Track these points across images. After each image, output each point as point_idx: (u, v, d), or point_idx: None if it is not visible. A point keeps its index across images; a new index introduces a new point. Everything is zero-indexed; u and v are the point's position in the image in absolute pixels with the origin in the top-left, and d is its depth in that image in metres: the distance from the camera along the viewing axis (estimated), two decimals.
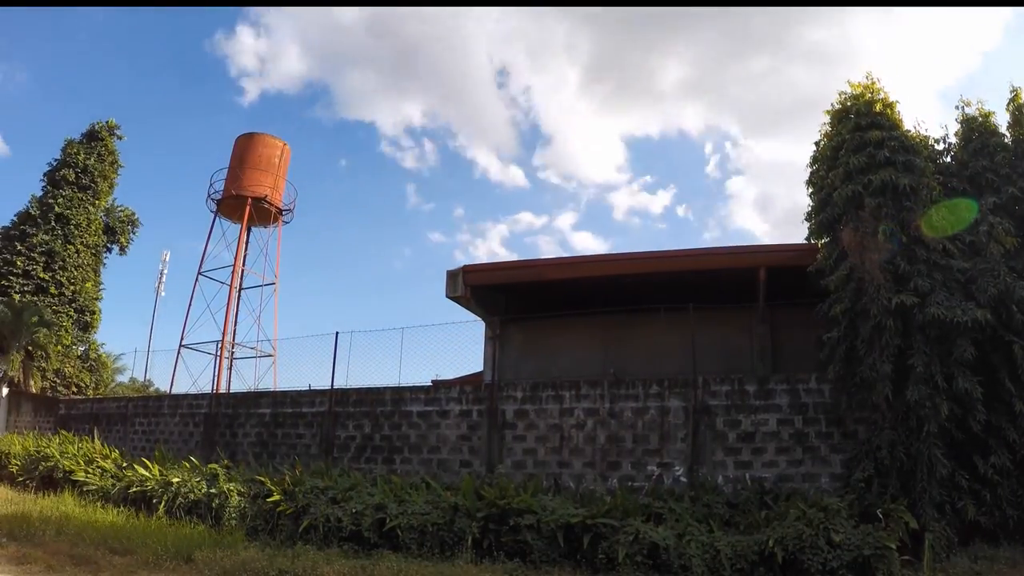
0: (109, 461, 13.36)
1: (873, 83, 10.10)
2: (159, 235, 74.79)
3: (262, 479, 10.58)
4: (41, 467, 13.88)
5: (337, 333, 13.62)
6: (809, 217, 10.71)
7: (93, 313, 25.89)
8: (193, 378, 35.62)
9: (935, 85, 76.40)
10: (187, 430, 15.35)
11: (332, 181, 79.38)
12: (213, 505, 10.19)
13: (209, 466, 12.01)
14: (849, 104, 10.13)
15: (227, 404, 14.98)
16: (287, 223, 28.98)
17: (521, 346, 14.33)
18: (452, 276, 12.95)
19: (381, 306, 69.72)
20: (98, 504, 11.30)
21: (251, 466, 12.22)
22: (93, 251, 25.96)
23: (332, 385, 13.25)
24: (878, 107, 9.85)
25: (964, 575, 7.56)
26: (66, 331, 24.06)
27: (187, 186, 78.12)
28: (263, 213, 27.36)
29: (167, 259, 38.65)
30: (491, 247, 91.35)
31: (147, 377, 31.45)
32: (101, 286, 26.71)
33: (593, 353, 13.67)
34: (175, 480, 11.03)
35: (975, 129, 10.06)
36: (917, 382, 8.28)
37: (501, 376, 13.09)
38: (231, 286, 26.99)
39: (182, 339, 26.01)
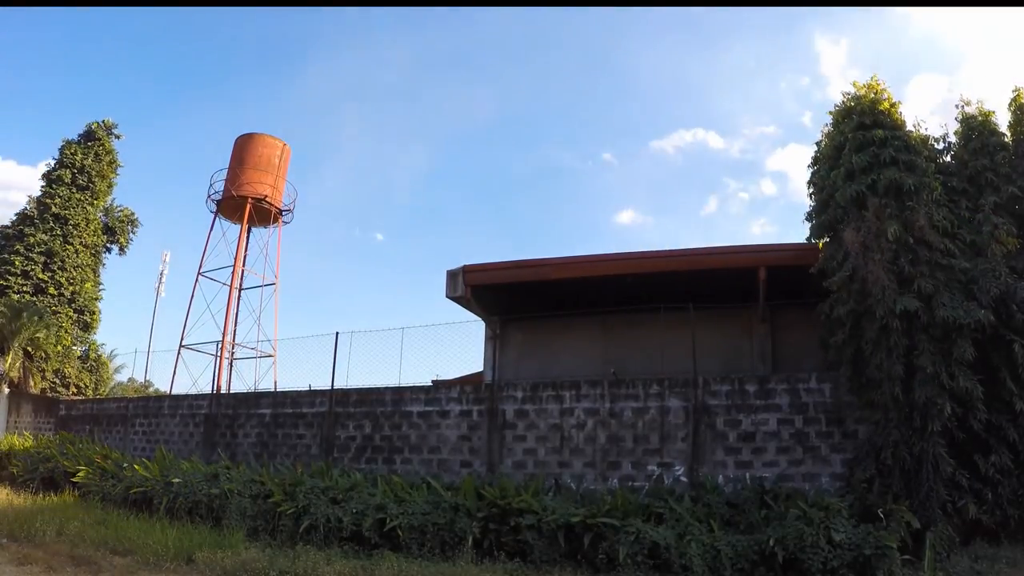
0: (109, 462, 13.34)
1: (877, 83, 10.09)
2: (159, 235, 74.82)
3: (262, 479, 10.57)
4: (42, 468, 13.88)
5: (337, 333, 13.63)
6: (810, 217, 10.69)
7: (93, 313, 25.86)
8: (193, 379, 35.71)
9: None
10: (187, 431, 15.34)
11: None
12: (214, 506, 10.18)
13: (209, 466, 12.01)
14: (852, 104, 10.11)
15: (227, 405, 14.97)
16: (287, 223, 29.00)
17: (521, 346, 14.32)
18: (452, 276, 12.92)
19: (381, 306, 69.70)
20: (99, 505, 11.30)
21: (251, 466, 12.21)
22: (92, 251, 25.93)
23: (332, 385, 13.24)
24: (883, 106, 9.83)
25: (965, 574, 7.57)
26: (66, 331, 24.03)
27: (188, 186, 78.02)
28: (263, 213, 27.33)
29: (167, 259, 38.60)
30: None
31: (147, 378, 31.48)
32: (101, 286, 26.71)
33: (593, 353, 13.66)
34: (175, 480, 11.02)
35: (975, 128, 10.03)
36: (925, 382, 8.27)
37: (501, 376, 13.09)
38: (231, 286, 26.96)
39: (182, 339, 25.99)
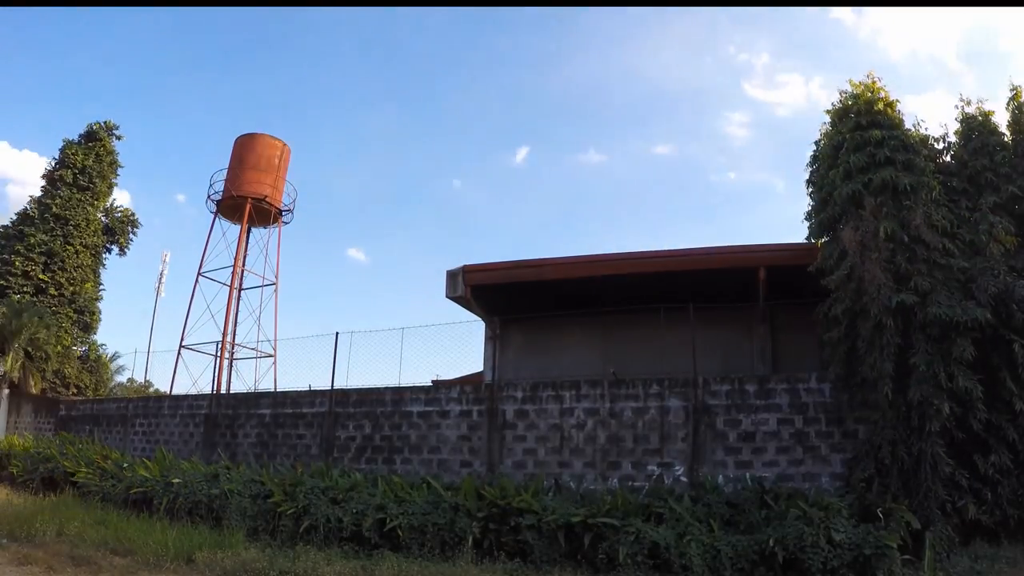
0: (110, 462, 13.36)
1: (874, 82, 10.09)
2: (159, 236, 74.80)
3: (263, 479, 10.58)
4: (42, 468, 13.88)
5: (337, 333, 13.64)
6: (809, 216, 10.70)
7: (93, 314, 25.88)
8: (193, 379, 35.71)
9: None
10: (187, 431, 15.35)
11: None
12: (214, 506, 10.19)
13: (210, 467, 12.02)
14: (850, 103, 10.11)
15: (227, 405, 14.98)
16: (287, 223, 29.01)
17: (521, 346, 14.33)
18: (452, 276, 12.94)
19: (381, 306, 69.74)
20: (99, 505, 11.30)
21: (251, 467, 12.23)
22: (92, 251, 25.95)
23: (332, 385, 13.25)
24: (879, 106, 9.84)
25: (965, 574, 7.57)
26: (66, 332, 24.05)
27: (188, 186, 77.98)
28: (263, 213, 27.35)
29: (167, 259, 38.65)
30: None
31: (147, 378, 31.48)
32: (101, 287, 26.74)
33: (593, 353, 13.66)
34: (176, 481, 11.03)
35: (974, 128, 10.03)
36: (920, 381, 8.28)
37: (501, 376, 13.09)
38: (231, 286, 26.99)
39: (182, 340, 26.02)
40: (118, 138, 27.88)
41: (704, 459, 10.06)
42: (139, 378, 30.72)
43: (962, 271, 8.78)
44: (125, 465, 12.90)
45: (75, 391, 24.04)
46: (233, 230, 27.68)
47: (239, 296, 27.84)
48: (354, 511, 9.10)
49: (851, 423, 9.40)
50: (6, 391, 20.53)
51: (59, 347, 23.23)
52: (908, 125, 9.99)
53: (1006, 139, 10.01)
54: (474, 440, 11.50)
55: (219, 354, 24.14)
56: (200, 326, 29.24)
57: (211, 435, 14.68)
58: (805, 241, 10.71)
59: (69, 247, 24.87)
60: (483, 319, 13.84)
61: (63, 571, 7.70)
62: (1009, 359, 8.49)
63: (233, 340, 26.70)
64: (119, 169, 27.81)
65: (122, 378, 28.25)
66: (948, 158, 10.22)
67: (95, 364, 25.90)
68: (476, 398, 11.73)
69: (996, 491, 8.30)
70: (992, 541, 8.23)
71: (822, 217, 10.09)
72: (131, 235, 28.24)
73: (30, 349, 21.70)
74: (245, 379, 32.65)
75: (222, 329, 25.68)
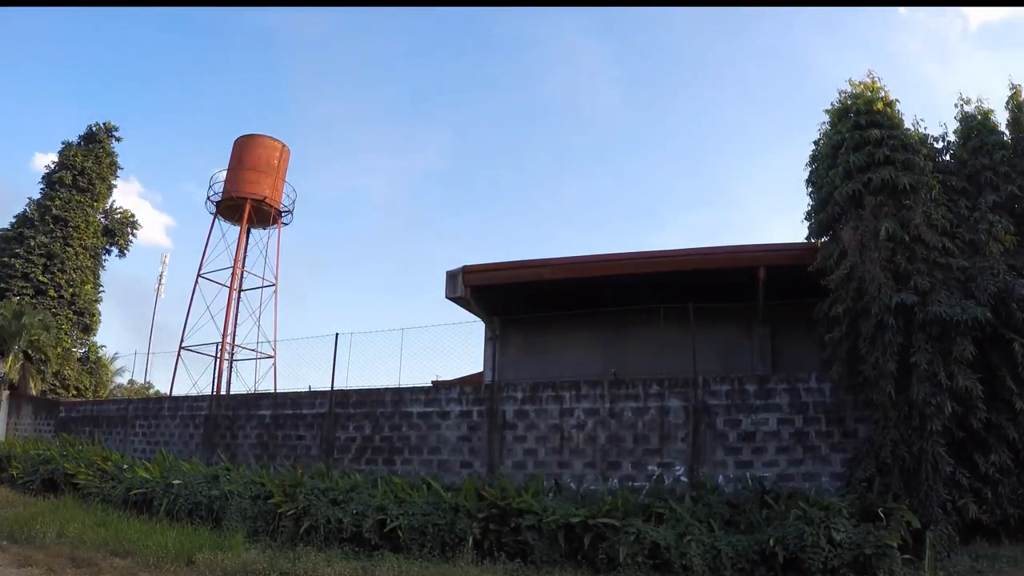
0: (110, 464, 13.35)
1: (873, 82, 10.10)
2: (159, 236, 74.68)
3: (263, 481, 10.57)
4: (42, 470, 13.88)
5: (337, 334, 13.63)
6: (809, 216, 10.72)
7: (92, 315, 25.89)
8: (193, 380, 35.68)
9: None
10: (187, 432, 15.34)
11: None
12: (214, 507, 10.19)
13: (210, 468, 12.02)
14: (849, 103, 10.12)
15: (227, 406, 14.97)
16: (286, 224, 29.00)
17: (521, 346, 14.31)
18: (452, 276, 12.91)
19: (381, 307, 69.70)
20: (99, 507, 11.29)
21: (251, 468, 12.22)
22: (92, 253, 25.97)
23: (332, 386, 13.24)
24: (878, 105, 9.84)
25: (965, 574, 7.56)
26: (65, 333, 24.06)
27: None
28: (262, 214, 27.35)
29: (167, 261, 38.72)
30: None
31: (147, 379, 31.51)
32: (100, 288, 26.75)
33: (593, 353, 13.65)
34: (176, 482, 11.03)
35: (974, 127, 10.03)
36: (921, 380, 8.28)
37: (501, 376, 13.07)
38: (231, 287, 26.98)
39: (182, 341, 26.03)
40: (117, 140, 27.95)
41: (704, 459, 10.05)
42: (139, 379, 30.77)
43: (962, 270, 8.79)
44: (125, 466, 12.89)
45: (75, 392, 24.03)
46: (233, 231, 27.72)
47: (239, 297, 27.86)
48: (354, 512, 9.10)
49: (851, 423, 9.40)
50: (6, 393, 20.53)
51: (59, 349, 23.23)
52: (907, 124, 10.01)
53: (1006, 138, 10.01)
54: (474, 441, 11.49)
55: (219, 355, 24.13)
56: (200, 327, 29.22)
57: (211, 436, 14.67)
58: (805, 241, 10.71)
59: (69, 249, 24.88)
60: (483, 319, 13.83)
61: (63, 572, 7.69)
62: (1009, 358, 8.50)
63: (233, 341, 26.73)
64: (118, 171, 27.87)
65: (122, 379, 28.30)
66: (948, 157, 10.23)
67: (95, 365, 25.91)
68: (476, 399, 11.73)
69: (996, 490, 8.30)
70: (993, 540, 8.23)
71: (822, 217, 10.10)
72: (130, 236, 28.29)
73: (30, 351, 21.70)
74: (245, 380, 32.64)
75: (222, 330, 25.73)
